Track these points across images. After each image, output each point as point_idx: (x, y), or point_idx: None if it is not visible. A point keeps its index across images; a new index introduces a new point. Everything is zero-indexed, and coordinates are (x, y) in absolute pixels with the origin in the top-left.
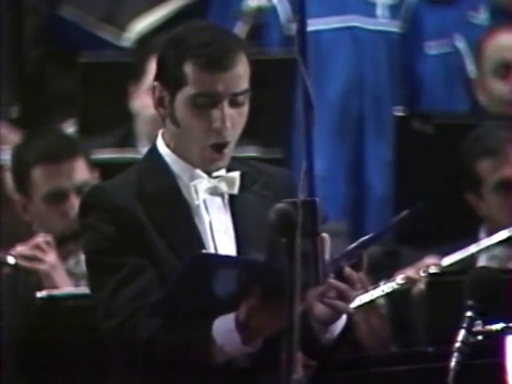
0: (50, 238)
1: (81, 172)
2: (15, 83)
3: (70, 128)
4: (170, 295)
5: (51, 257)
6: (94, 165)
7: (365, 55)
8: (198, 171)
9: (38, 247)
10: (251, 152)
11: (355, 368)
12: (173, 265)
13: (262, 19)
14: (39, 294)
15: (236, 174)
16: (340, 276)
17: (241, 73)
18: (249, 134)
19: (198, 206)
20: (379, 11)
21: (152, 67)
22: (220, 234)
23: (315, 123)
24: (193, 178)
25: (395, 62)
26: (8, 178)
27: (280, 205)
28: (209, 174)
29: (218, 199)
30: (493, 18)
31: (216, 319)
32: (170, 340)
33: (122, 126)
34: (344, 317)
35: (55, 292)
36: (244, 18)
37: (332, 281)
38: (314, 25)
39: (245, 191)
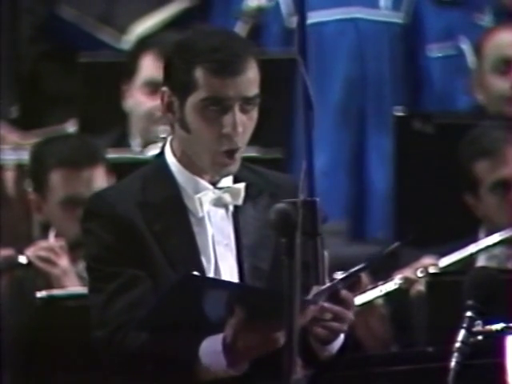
0: (63, 243)
1: (100, 180)
2: (15, 83)
3: (70, 128)
4: (156, 311)
5: (64, 261)
6: (111, 169)
7: (368, 46)
8: (203, 182)
9: (52, 250)
10: (251, 152)
11: (355, 368)
12: (170, 277)
13: (262, 19)
14: (39, 294)
15: (241, 186)
16: (336, 297)
17: (251, 78)
18: None
19: (201, 219)
20: (382, 2)
21: (145, 65)
22: (221, 247)
23: (315, 122)
24: (197, 189)
25: (398, 54)
26: (8, 177)
27: (280, 205)
28: (214, 184)
29: (222, 210)
30: (497, 19)
31: (205, 339)
32: (158, 355)
33: (117, 126)
34: (342, 335)
35: (55, 292)
36: (244, 18)
37: (326, 304)
38: (317, 16)
39: (250, 202)
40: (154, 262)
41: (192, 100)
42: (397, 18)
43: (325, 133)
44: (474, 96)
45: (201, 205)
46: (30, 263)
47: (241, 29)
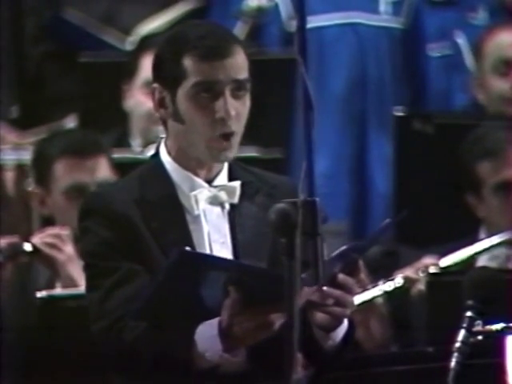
0: (68, 232)
1: (103, 169)
2: (15, 83)
3: (69, 124)
4: (154, 294)
5: (69, 248)
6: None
7: (367, 51)
8: (198, 180)
9: (58, 236)
10: (251, 152)
11: (355, 368)
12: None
13: (262, 19)
14: (39, 294)
15: (237, 184)
16: (335, 282)
17: (240, 61)
18: (249, 134)
19: (197, 216)
20: (382, 7)
21: (145, 65)
22: (217, 244)
23: (316, 122)
24: (193, 187)
25: (398, 58)
26: (8, 177)
27: (280, 205)
28: (209, 183)
29: (217, 209)
30: (492, 17)
31: (201, 324)
32: (155, 343)
33: (117, 126)
34: (345, 323)
35: (55, 292)
36: (244, 18)
37: (326, 289)
38: (317, 21)
39: (246, 201)
40: (151, 259)
41: (183, 89)
42: (397, 22)
43: (327, 135)
44: (472, 94)
45: (196, 202)
46: (34, 251)
47: (241, 29)
